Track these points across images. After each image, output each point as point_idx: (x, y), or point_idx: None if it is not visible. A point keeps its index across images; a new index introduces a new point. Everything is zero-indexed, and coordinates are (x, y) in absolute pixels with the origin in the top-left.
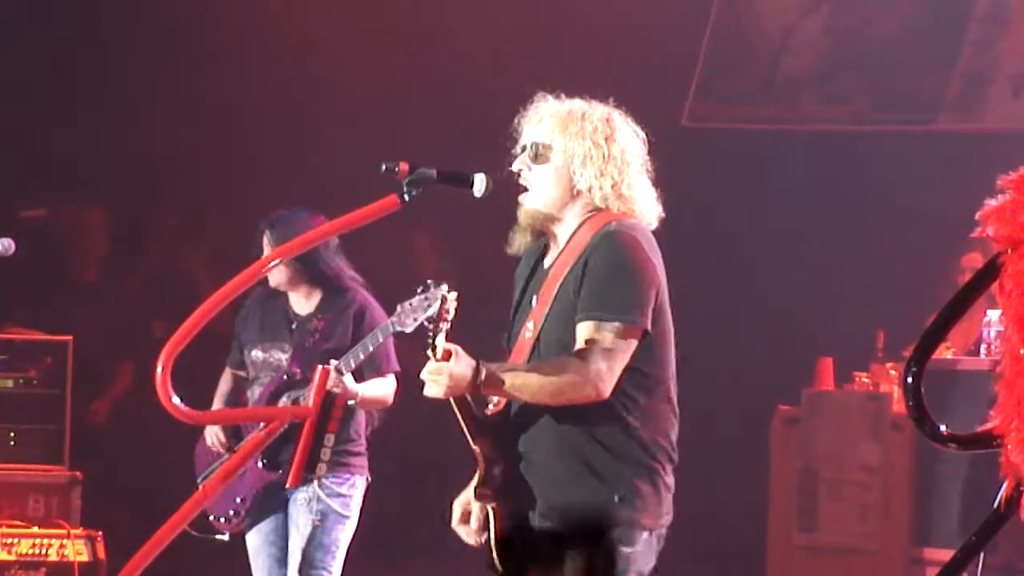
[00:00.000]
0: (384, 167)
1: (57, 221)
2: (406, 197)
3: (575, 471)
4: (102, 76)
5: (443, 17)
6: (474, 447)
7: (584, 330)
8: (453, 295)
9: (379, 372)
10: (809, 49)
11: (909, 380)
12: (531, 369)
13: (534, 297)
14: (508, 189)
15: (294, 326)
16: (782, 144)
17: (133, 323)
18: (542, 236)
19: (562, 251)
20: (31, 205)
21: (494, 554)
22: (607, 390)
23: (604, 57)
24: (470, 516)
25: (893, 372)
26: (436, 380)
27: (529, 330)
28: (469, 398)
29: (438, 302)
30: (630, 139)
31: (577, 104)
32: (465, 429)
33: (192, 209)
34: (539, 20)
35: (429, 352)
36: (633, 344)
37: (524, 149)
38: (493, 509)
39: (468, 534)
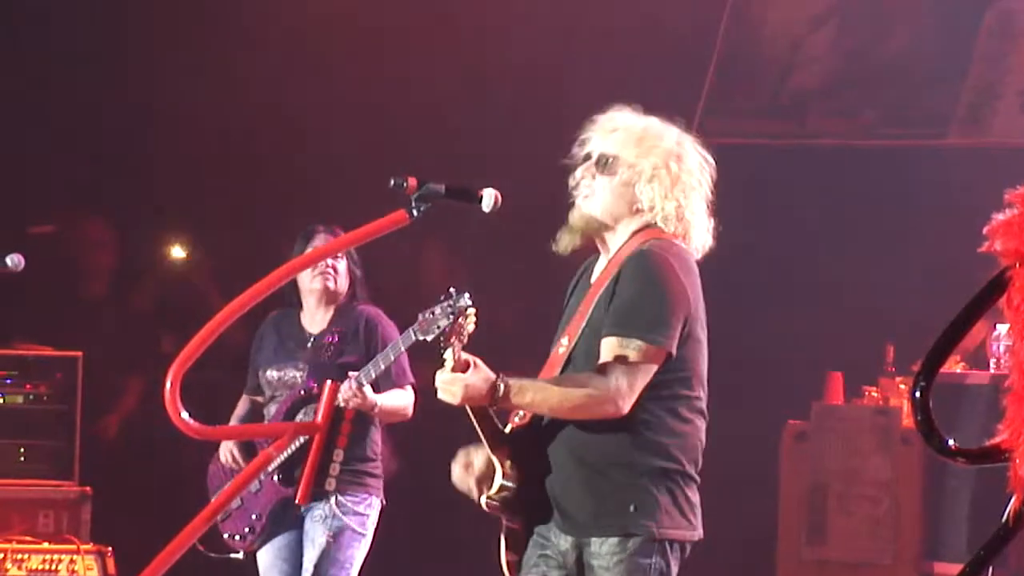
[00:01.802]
0: (392, 182)
1: (66, 237)
2: (414, 212)
3: (592, 483)
4: (106, 90)
5: (448, 30)
6: (492, 456)
7: (607, 346)
8: (472, 309)
9: (395, 385)
10: (818, 63)
11: (918, 394)
12: (552, 384)
13: (575, 311)
14: (515, 204)
15: (309, 344)
16: (791, 158)
17: (142, 338)
18: (591, 242)
19: (607, 265)
20: (40, 221)
21: (505, 571)
22: (626, 407)
23: (611, 71)
24: (470, 466)
25: (902, 386)
26: (448, 389)
27: (563, 345)
28: (491, 410)
29: (455, 313)
30: (699, 166)
31: (653, 122)
32: (483, 439)
33: (201, 223)
34: (545, 37)
35: (446, 359)
36: (655, 364)
37: (588, 157)
38: (507, 528)
39: (465, 482)
